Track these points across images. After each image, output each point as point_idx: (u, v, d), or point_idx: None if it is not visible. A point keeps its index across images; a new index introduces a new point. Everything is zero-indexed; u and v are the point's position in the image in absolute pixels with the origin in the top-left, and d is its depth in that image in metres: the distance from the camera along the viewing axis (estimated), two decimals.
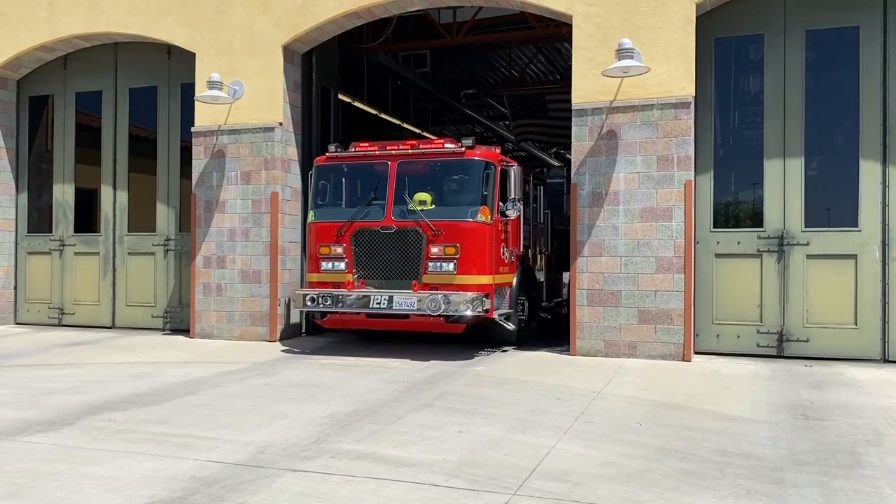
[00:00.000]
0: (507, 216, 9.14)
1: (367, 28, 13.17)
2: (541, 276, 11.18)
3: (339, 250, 9.21)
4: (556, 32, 12.83)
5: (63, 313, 12.62)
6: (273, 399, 6.76)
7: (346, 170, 9.65)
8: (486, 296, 8.67)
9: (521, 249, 9.85)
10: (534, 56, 16.45)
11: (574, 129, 9.24)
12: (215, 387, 7.34)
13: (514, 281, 9.54)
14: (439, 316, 8.50)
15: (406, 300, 8.60)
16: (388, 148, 9.29)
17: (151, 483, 4.41)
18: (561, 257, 12.21)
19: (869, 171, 8.66)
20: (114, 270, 12.26)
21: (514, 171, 9.09)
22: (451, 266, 8.67)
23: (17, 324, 12.94)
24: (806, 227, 8.85)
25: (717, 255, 9.15)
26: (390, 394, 6.89)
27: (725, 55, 9.30)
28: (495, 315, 8.89)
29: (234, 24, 10.81)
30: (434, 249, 8.72)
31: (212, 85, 10.30)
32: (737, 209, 9.35)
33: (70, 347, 10.29)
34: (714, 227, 9.20)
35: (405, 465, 4.76)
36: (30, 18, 12.04)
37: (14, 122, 12.95)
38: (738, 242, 9.09)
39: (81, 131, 12.72)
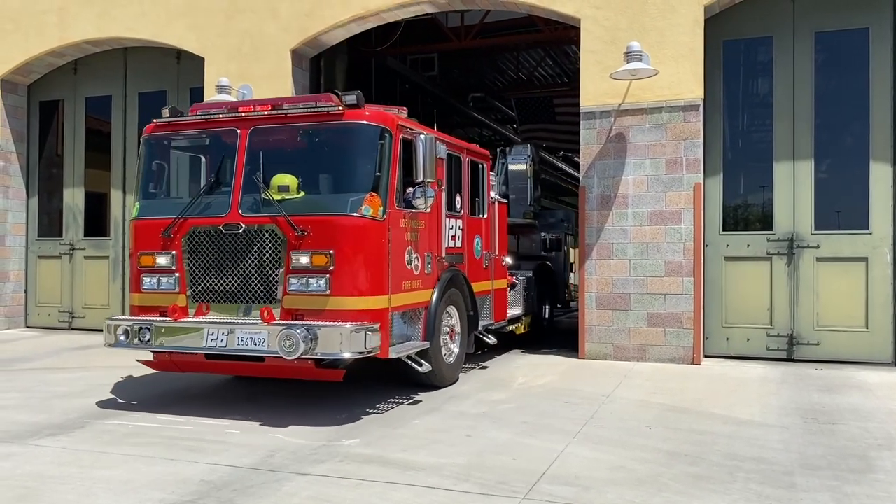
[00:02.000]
0: (415, 208, 6.70)
1: (375, 32, 13.19)
2: (486, 287, 8.56)
3: (167, 260, 6.55)
4: (564, 35, 12.82)
5: (73, 317, 12.67)
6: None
7: (184, 143, 7.18)
8: (377, 326, 6.06)
9: (444, 253, 7.39)
10: (541, 59, 16.44)
11: (582, 132, 9.23)
12: (224, 390, 7.36)
13: (433, 298, 7.05)
14: (306, 358, 5.81)
15: (253, 336, 5.93)
16: (239, 110, 6.66)
17: (162, 486, 4.42)
18: (525, 260, 10.88)
19: (879, 174, 8.61)
20: (123, 274, 12.31)
21: (425, 141, 6.48)
22: (323, 283, 6.04)
23: (28, 327, 13.00)
24: (816, 229, 8.80)
25: (727, 258, 9.11)
26: None
27: (734, 57, 9.27)
28: (393, 353, 6.34)
29: (243, 28, 10.85)
30: (298, 259, 6.10)
31: (221, 89, 10.34)
32: (746, 212, 9.31)
33: (80, 351, 10.33)
34: (723, 229, 9.17)
35: (414, 468, 4.76)
36: (40, 24, 12.11)
37: (25, 127, 13.03)
38: (748, 245, 9.05)
39: (91, 136, 12.78)
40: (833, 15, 8.82)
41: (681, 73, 8.79)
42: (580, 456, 5.02)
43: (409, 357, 6.69)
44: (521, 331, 10.01)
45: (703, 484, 4.45)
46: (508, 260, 9.65)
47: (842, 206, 8.83)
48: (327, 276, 6.06)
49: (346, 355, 5.86)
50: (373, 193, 6.22)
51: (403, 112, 6.91)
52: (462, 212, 7.97)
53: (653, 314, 8.87)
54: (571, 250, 13.03)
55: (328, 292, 6.06)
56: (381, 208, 6.23)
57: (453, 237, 7.70)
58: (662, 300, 8.83)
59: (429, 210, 6.94)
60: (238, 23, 10.89)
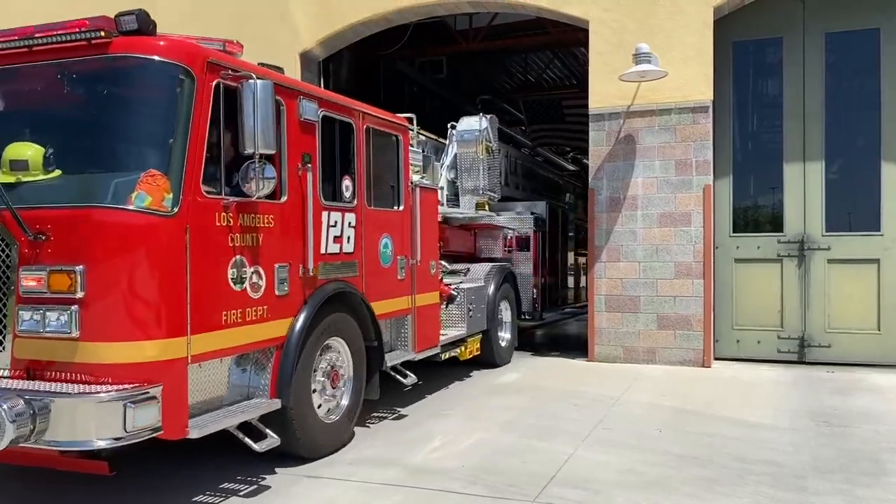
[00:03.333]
0: (245, 195, 4.43)
1: (384, 35, 13.23)
2: (402, 305, 6.37)
3: None
4: (573, 37, 12.80)
5: None
6: None
7: None
8: (156, 391, 3.84)
9: (311, 264, 4.98)
10: (550, 61, 16.43)
11: (591, 134, 9.21)
12: None
13: (294, 331, 4.82)
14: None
15: None
16: None
17: None
18: (482, 262, 9.06)
19: (891, 174, 8.53)
20: None
21: (258, 90, 4.35)
22: (67, 319, 3.85)
23: None
24: (827, 231, 8.75)
25: (737, 260, 9.07)
26: None
27: (744, 58, 9.23)
28: (195, 431, 4.07)
29: (252, 32, 10.85)
30: (30, 279, 3.93)
31: None
32: (756, 213, 9.27)
33: None
34: (733, 231, 9.13)
35: (423, 471, 4.75)
36: None
37: None
38: (758, 247, 9.01)
39: None
40: (843, 15, 8.76)
41: (690, 75, 8.76)
42: (590, 459, 5.01)
43: (244, 425, 4.46)
44: (467, 356, 7.95)
45: (713, 487, 4.43)
46: (447, 265, 7.88)
47: (853, 208, 8.78)
48: (73, 307, 3.81)
49: (100, 444, 3.65)
50: (154, 172, 3.95)
51: (237, 51, 4.72)
52: (356, 202, 5.64)
53: (662, 316, 8.83)
54: (551, 250, 11.36)
55: (75, 335, 3.81)
56: (171, 196, 3.97)
57: (338, 239, 5.38)
58: (672, 302, 8.80)
59: (281, 199, 4.71)
60: (247, 26, 10.91)
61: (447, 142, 8.96)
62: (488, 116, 8.89)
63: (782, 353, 8.85)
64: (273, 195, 4.62)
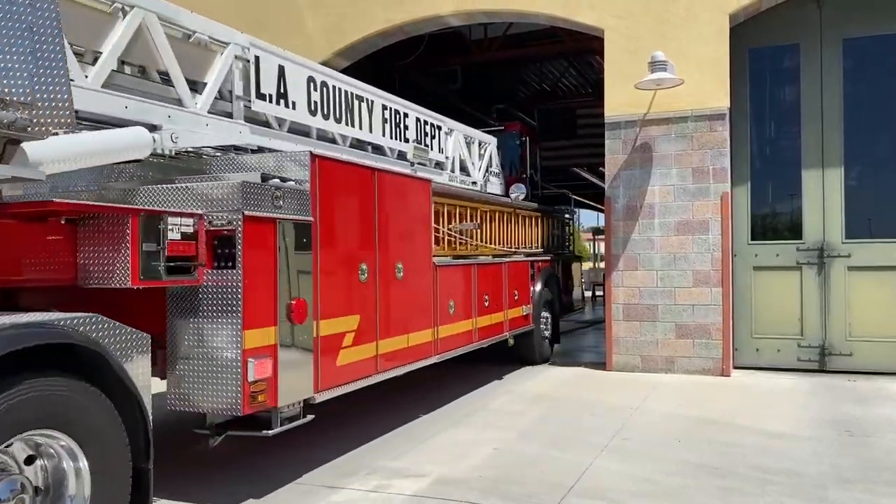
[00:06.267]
0: None
1: (400, 46, 13.30)
2: None
3: None
4: (588, 45, 12.81)
5: None
6: None
7: None
8: None
9: None
10: (565, 70, 16.45)
11: (607, 143, 9.20)
12: None
13: None
14: None
15: None
16: None
17: None
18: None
19: None
20: None
21: None
22: None
23: None
24: (847, 238, 8.67)
25: (756, 268, 9.01)
26: None
27: (760, 65, 9.19)
28: None
29: (268, 43, 10.98)
30: None
31: None
32: (775, 221, 9.20)
33: None
34: (752, 239, 9.07)
35: (440, 481, 4.75)
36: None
37: None
38: (777, 255, 8.94)
39: None
40: (861, 21, 8.70)
41: (705, 82, 8.74)
42: (608, 469, 4.99)
43: None
44: None
45: (732, 497, 4.40)
46: None
47: (873, 214, 8.69)
48: None
49: None
50: None
51: None
52: None
53: (681, 325, 8.78)
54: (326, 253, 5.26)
55: None
56: None
57: None
58: (691, 311, 8.75)
59: None
60: (262, 37, 11.00)
61: None
62: None
63: (802, 362, 8.77)
64: None
